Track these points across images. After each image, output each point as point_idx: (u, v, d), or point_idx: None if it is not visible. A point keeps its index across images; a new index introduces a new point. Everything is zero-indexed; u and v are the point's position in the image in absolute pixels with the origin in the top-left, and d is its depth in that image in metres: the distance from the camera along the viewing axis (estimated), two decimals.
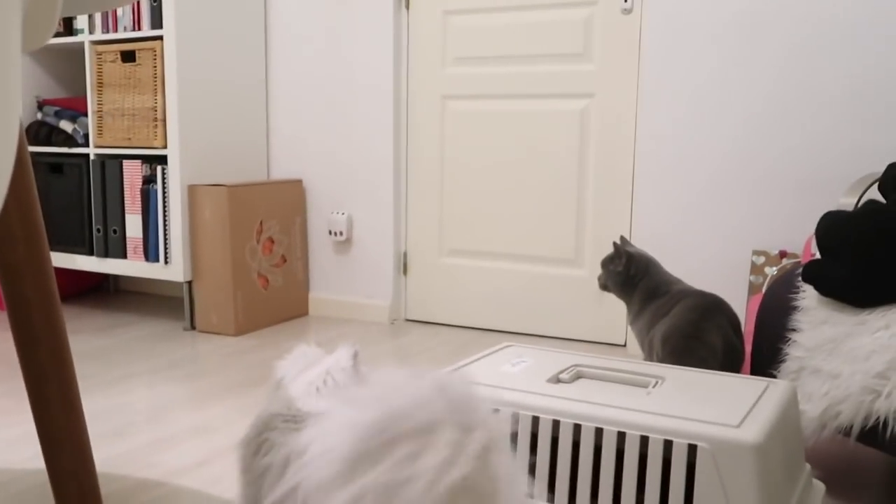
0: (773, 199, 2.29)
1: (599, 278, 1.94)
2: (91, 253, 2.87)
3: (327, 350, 1.01)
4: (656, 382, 1.14)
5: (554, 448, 1.03)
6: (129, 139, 2.74)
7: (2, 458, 1.63)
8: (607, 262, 1.91)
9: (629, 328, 1.91)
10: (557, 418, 1.02)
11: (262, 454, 0.91)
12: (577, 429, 1.02)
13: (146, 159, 2.74)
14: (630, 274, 1.85)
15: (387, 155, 2.84)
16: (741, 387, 1.13)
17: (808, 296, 1.56)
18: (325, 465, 0.68)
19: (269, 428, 0.92)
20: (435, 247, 2.85)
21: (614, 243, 1.90)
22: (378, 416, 0.69)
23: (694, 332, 1.63)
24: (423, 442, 0.66)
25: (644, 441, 0.97)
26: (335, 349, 1.00)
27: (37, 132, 2.91)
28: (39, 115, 2.96)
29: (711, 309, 1.68)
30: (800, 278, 1.59)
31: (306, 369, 0.98)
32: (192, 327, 2.76)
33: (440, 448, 0.65)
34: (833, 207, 1.76)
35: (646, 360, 1.78)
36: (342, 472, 0.67)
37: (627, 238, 2.48)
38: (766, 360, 1.59)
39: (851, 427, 1.37)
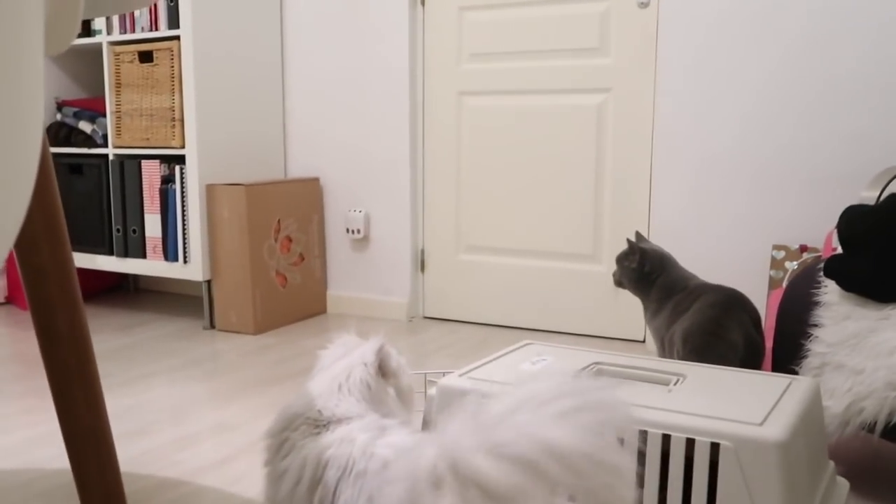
0: (794, 193, 2.27)
1: (614, 275, 1.93)
2: (111, 253, 2.89)
3: (367, 339, 1.03)
4: (678, 380, 1.13)
5: None
6: (148, 139, 2.76)
7: (27, 457, 1.65)
8: (622, 259, 1.90)
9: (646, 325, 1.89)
10: None
11: (282, 455, 0.91)
12: None
13: (164, 159, 2.75)
14: (645, 271, 1.84)
15: (403, 152, 2.84)
16: (764, 384, 1.12)
17: (829, 291, 1.55)
18: None
19: (291, 427, 0.93)
20: (452, 244, 2.85)
21: (628, 240, 1.89)
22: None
23: (715, 328, 1.61)
24: None
25: (666, 439, 0.97)
26: (365, 340, 1.01)
27: (56, 133, 2.94)
28: (59, 116, 2.99)
29: (732, 305, 1.67)
30: (821, 273, 1.57)
31: (337, 361, 1.00)
32: (212, 326, 2.78)
33: None
34: (855, 201, 1.74)
35: (659, 357, 1.77)
36: None
37: (644, 234, 2.46)
38: (788, 356, 1.58)
39: (875, 423, 1.36)
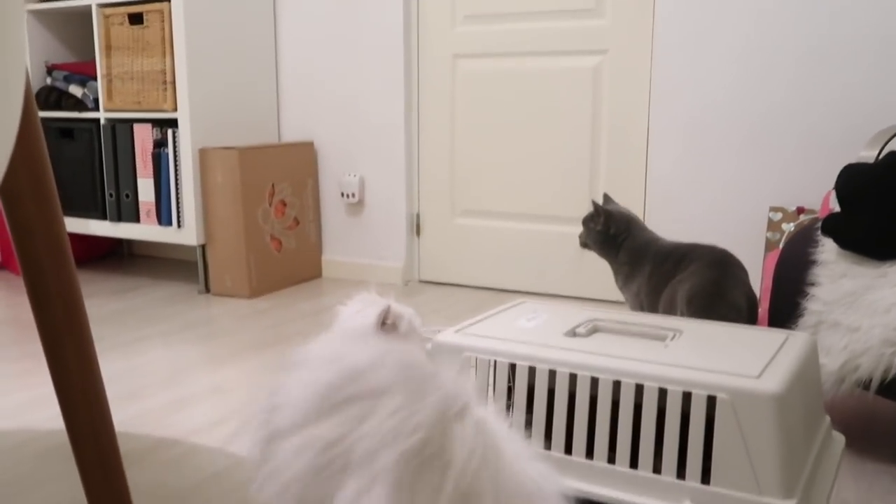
0: (791, 154, 2.25)
1: (580, 236, 1.91)
2: (104, 218, 2.87)
3: (387, 297, 1.03)
4: (674, 335, 1.13)
5: (571, 403, 1.03)
6: (139, 103, 2.72)
7: (22, 419, 1.65)
8: (588, 221, 1.88)
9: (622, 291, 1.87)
10: (574, 371, 1.02)
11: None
12: (594, 382, 1.01)
13: (156, 123, 2.72)
14: (611, 233, 1.82)
15: (398, 115, 2.82)
16: (760, 339, 1.11)
17: (826, 249, 1.54)
18: (281, 417, 0.73)
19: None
20: (447, 207, 2.84)
21: (594, 202, 1.86)
22: (332, 376, 0.73)
23: (717, 289, 1.61)
24: (372, 405, 0.68)
25: (662, 393, 0.96)
26: (384, 298, 1.01)
27: (46, 97, 2.90)
28: (49, 80, 2.95)
29: (729, 264, 1.66)
30: (819, 232, 1.57)
31: (351, 318, 0.99)
32: (207, 290, 2.77)
33: (385, 414, 0.67)
34: (853, 161, 1.73)
35: None
36: (295, 423, 0.71)
37: (640, 196, 2.45)
38: (784, 316, 1.57)
39: (871, 380, 1.36)
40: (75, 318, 0.81)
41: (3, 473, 1.41)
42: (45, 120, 2.95)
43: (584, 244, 1.91)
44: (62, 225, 0.81)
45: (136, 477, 0.87)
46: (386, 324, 0.98)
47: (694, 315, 1.60)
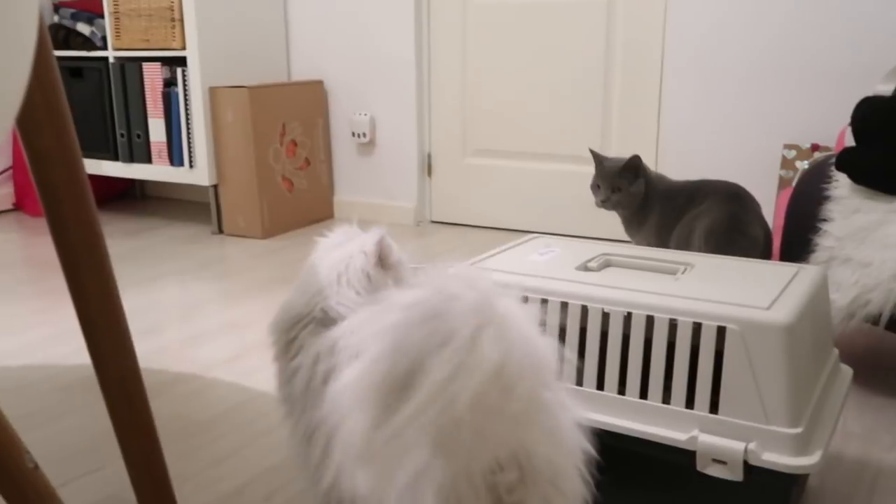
0: (806, 90, 2.22)
1: (607, 201, 1.78)
2: (116, 158, 2.88)
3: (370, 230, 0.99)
4: (685, 269, 1.13)
5: (582, 336, 1.04)
6: (148, 41, 2.70)
7: (44, 354, 1.69)
8: (622, 180, 1.74)
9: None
10: (586, 304, 1.03)
11: (291, 354, 0.90)
12: (605, 315, 1.02)
13: (166, 61, 2.71)
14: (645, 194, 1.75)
15: (408, 54, 2.78)
16: (771, 272, 1.12)
17: (840, 185, 1.54)
18: (354, 407, 0.64)
19: (299, 325, 0.91)
20: (459, 147, 2.82)
21: (629, 158, 1.72)
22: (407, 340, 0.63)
23: (737, 224, 1.59)
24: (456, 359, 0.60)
25: (672, 325, 0.98)
26: (368, 231, 0.98)
27: (54, 35, 2.88)
28: (56, 18, 2.92)
29: (745, 198, 1.65)
30: (833, 168, 1.56)
31: (335, 249, 0.97)
32: (220, 231, 2.79)
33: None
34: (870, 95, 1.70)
35: None
36: (374, 417, 0.62)
37: (654, 133, 2.43)
38: (796, 252, 1.58)
39: (880, 315, 1.37)
40: (94, 246, 0.82)
41: (28, 405, 1.45)
42: None
43: (614, 206, 1.78)
44: (79, 154, 0.82)
45: (155, 410, 0.90)
46: (384, 261, 0.96)
47: (712, 250, 1.59)
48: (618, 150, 2.55)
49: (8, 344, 1.75)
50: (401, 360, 0.62)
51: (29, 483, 0.66)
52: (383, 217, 2.94)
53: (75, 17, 2.86)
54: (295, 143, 2.82)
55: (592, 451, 0.69)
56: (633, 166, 1.75)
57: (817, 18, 2.17)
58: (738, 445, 0.92)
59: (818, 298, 1.07)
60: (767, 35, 2.24)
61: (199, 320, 1.90)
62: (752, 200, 1.67)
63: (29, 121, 0.77)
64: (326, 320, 0.89)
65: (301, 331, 0.90)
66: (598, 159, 1.79)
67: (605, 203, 1.80)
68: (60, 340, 1.76)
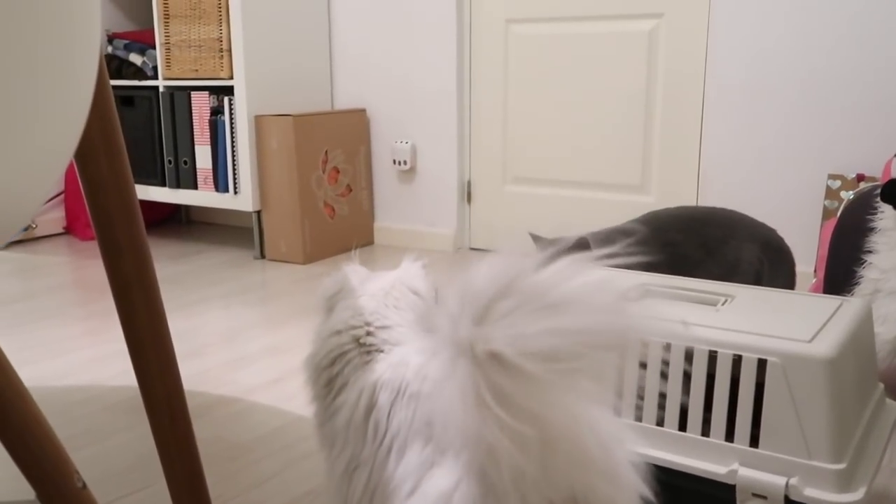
0: (851, 120, 2.20)
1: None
2: (163, 184, 2.95)
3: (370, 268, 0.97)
4: (726, 300, 1.13)
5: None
6: (197, 70, 2.78)
7: (92, 375, 1.73)
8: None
9: None
10: None
11: (334, 393, 0.86)
12: (644, 346, 1.02)
13: (213, 90, 2.78)
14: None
15: (450, 82, 2.82)
16: (814, 304, 1.11)
17: (886, 216, 1.51)
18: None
19: (343, 357, 0.87)
20: (499, 175, 2.84)
21: (578, 244, 1.43)
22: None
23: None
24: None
25: (713, 356, 0.97)
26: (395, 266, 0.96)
27: (108, 66, 2.97)
28: (110, 49, 3.02)
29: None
30: (878, 199, 1.54)
31: (364, 284, 0.92)
32: (262, 256, 2.84)
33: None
34: None
35: None
36: None
37: (695, 163, 2.41)
38: (840, 284, 1.55)
39: None
40: (144, 270, 0.85)
41: (75, 425, 1.49)
42: None
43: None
44: (131, 182, 0.85)
45: (197, 431, 0.92)
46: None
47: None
48: (659, 178, 2.54)
49: (57, 365, 1.80)
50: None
51: (78, 502, 0.68)
52: (422, 244, 2.96)
53: (128, 48, 2.96)
54: (337, 170, 2.87)
55: (648, 489, 0.66)
56: (580, 249, 1.60)
57: (862, 47, 2.15)
58: (780, 480, 0.91)
59: (862, 332, 1.06)
60: (811, 64, 2.23)
61: (241, 344, 1.93)
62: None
63: (85, 149, 0.81)
64: (370, 349, 0.86)
65: (344, 367, 0.86)
66: (540, 244, 1.56)
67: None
68: (107, 362, 1.80)
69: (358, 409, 0.81)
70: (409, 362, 0.81)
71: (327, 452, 0.87)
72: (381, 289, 0.92)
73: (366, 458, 0.80)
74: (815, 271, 2.09)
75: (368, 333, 0.86)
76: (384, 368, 0.82)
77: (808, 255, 2.23)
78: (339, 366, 0.86)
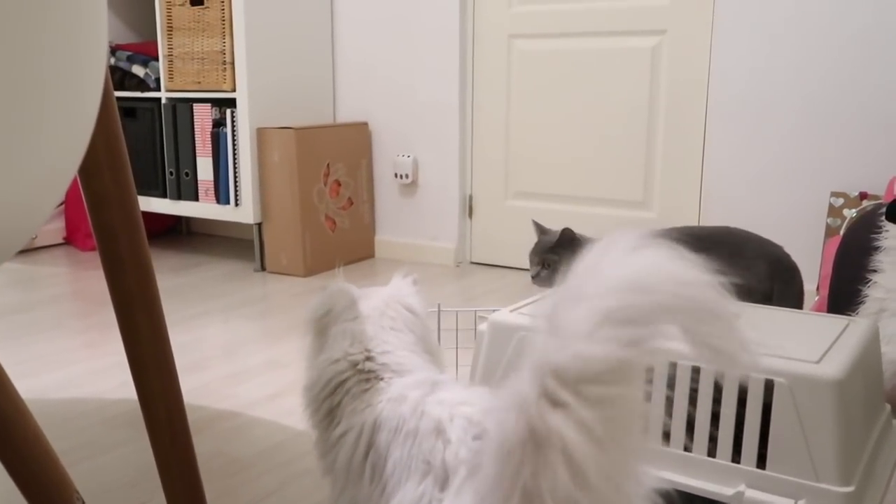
0: (855, 137, 2.20)
1: (535, 277, 1.64)
2: (165, 195, 2.94)
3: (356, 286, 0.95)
4: None
5: None
6: (199, 83, 2.78)
7: (91, 388, 1.72)
8: (555, 259, 1.57)
9: None
10: None
11: (335, 423, 0.84)
12: None
13: (216, 103, 2.78)
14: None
15: (452, 96, 2.82)
16: (821, 325, 1.10)
17: (890, 236, 1.51)
18: None
19: (342, 387, 0.84)
20: (500, 189, 2.84)
21: (563, 235, 1.55)
22: None
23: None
24: None
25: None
26: (389, 281, 0.95)
27: (110, 77, 2.97)
28: (112, 61, 3.02)
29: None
30: (882, 218, 1.53)
31: (355, 304, 0.90)
32: (263, 268, 2.83)
33: None
34: None
35: None
36: None
37: (697, 180, 2.42)
38: (844, 303, 1.55)
39: None
40: (147, 286, 0.84)
41: (74, 437, 1.47)
42: None
43: (542, 282, 1.65)
44: (135, 196, 0.84)
45: (197, 446, 0.91)
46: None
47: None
48: (661, 194, 2.54)
49: (55, 377, 1.78)
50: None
51: None
52: (424, 257, 2.95)
53: (131, 60, 2.96)
54: (339, 184, 2.86)
55: None
56: (567, 240, 1.61)
57: (865, 64, 2.16)
58: (787, 502, 0.90)
59: (869, 352, 1.05)
60: (814, 81, 2.23)
61: (242, 357, 1.91)
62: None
63: (89, 163, 0.80)
64: (369, 376, 0.84)
65: (344, 396, 0.84)
66: (539, 230, 1.67)
67: (534, 279, 1.67)
68: (106, 375, 1.79)
69: (357, 452, 0.80)
70: (406, 397, 0.79)
71: (331, 483, 0.85)
72: (375, 308, 0.91)
73: (363, 499, 0.78)
74: (817, 289, 2.08)
75: (367, 359, 0.84)
76: (383, 405, 0.80)
77: (811, 272, 2.22)
78: (339, 395, 0.84)
